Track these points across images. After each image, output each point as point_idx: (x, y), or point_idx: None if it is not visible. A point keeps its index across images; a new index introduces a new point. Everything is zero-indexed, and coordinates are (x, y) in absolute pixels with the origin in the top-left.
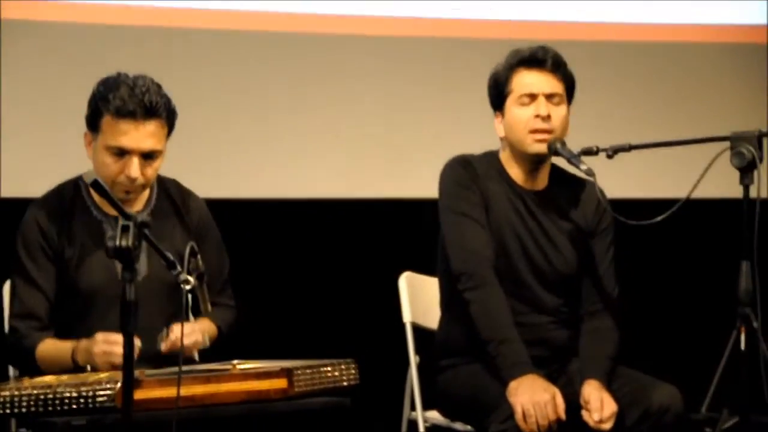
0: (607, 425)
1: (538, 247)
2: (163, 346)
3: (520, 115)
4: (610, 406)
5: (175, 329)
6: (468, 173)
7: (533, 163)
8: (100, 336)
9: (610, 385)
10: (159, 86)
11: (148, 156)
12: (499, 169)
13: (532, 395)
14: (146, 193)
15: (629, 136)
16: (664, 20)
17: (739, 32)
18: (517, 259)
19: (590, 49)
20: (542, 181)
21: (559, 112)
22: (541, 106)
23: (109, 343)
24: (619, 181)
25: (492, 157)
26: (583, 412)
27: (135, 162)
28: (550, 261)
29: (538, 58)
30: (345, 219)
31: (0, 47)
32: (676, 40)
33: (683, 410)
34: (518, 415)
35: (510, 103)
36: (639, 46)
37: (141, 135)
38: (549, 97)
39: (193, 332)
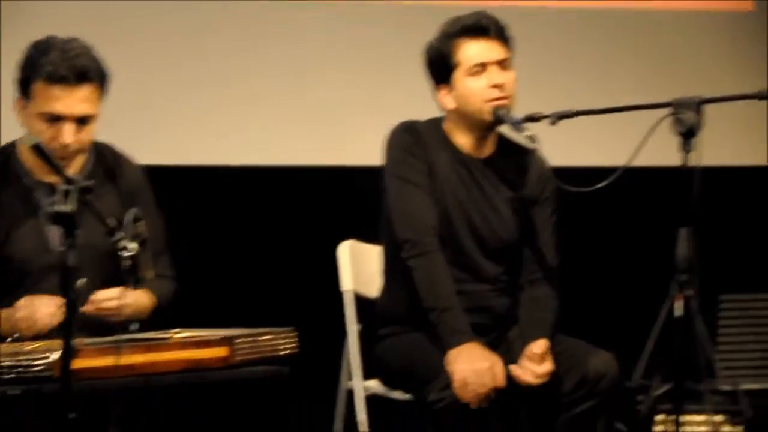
0: (536, 381)
1: (480, 215)
2: (84, 308)
3: (474, 87)
4: (547, 365)
5: (99, 293)
6: (413, 140)
7: (481, 130)
8: (22, 301)
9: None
10: (90, 49)
11: (81, 121)
12: (444, 137)
13: (471, 363)
14: (81, 158)
15: (573, 104)
16: None
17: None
18: (460, 227)
19: (537, 15)
20: (488, 149)
21: (510, 77)
22: (495, 75)
23: (32, 308)
24: (563, 148)
25: (437, 124)
26: (515, 367)
27: (68, 128)
28: (492, 229)
29: (482, 26)
30: (286, 186)
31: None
32: (626, 6)
33: (619, 377)
34: (457, 384)
35: (460, 75)
36: (584, 12)
37: (74, 100)
38: (498, 63)
39: (117, 297)
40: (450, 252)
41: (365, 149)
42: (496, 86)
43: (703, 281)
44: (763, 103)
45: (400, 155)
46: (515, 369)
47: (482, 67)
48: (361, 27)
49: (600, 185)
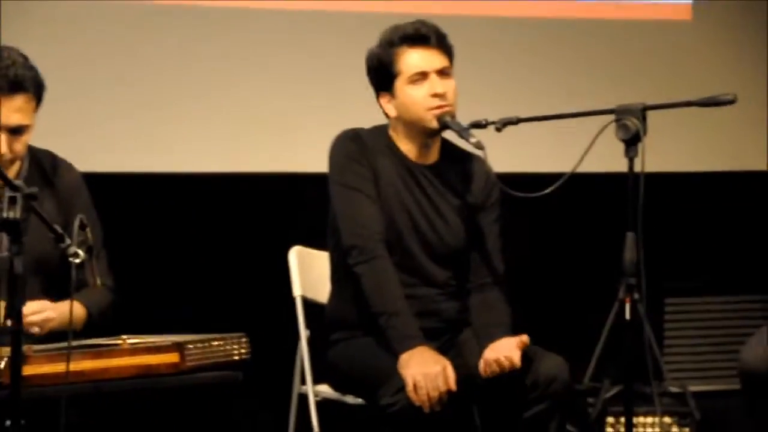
0: (507, 363)
1: (427, 221)
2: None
3: (415, 96)
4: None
5: (29, 304)
6: (358, 147)
7: (425, 137)
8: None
9: None
10: (26, 58)
11: (15, 131)
12: (389, 144)
13: (422, 367)
14: (16, 164)
15: (521, 111)
16: None
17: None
18: (407, 233)
19: (481, 24)
20: (433, 155)
21: (451, 85)
22: (436, 84)
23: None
24: (508, 155)
25: (381, 131)
26: (484, 361)
27: (2, 138)
28: (439, 235)
29: (422, 34)
30: (235, 194)
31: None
32: (562, 16)
33: (569, 380)
34: (409, 387)
35: (401, 84)
36: (530, 22)
37: (7, 110)
38: (439, 72)
39: (39, 311)
40: (398, 257)
41: (314, 156)
42: (436, 95)
43: (649, 285)
44: (705, 109)
45: (344, 162)
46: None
47: (423, 75)
48: (309, 36)
49: (546, 191)
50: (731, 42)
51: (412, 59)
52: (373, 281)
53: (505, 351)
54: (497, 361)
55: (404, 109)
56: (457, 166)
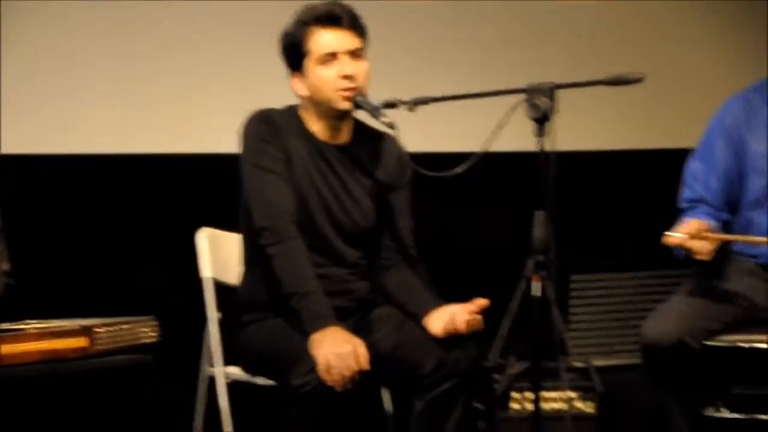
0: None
1: (338, 201)
2: None
3: (324, 76)
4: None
5: None
6: (269, 128)
7: (337, 118)
8: None
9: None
10: None
11: None
12: (300, 124)
13: (334, 347)
14: None
15: (434, 91)
16: None
17: None
18: (318, 214)
19: (393, 5)
20: (345, 135)
21: (361, 67)
22: (345, 66)
23: None
24: (421, 134)
25: (292, 112)
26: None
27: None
28: (349, 215)
29: (335, 15)
30: (143, 175)
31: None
32: None
33: (477, 358)
34: (321, 367)
35: (311, 64)
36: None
37: None
38: (350, 53)
39: None
40: (309, 238)
41: (224, 136)
42: (346, 76)
43: (555, 262)
44: (613, 88)
45: (256, 144)
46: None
47: (333, 56)
48: (218, 16)
49: (457, 170)
50: (637, 20)
51: (323, 39)
52: (285, 262)
53: (466, 313)
54: (468, 322)
55: (314, 89)
56: (369, 146)
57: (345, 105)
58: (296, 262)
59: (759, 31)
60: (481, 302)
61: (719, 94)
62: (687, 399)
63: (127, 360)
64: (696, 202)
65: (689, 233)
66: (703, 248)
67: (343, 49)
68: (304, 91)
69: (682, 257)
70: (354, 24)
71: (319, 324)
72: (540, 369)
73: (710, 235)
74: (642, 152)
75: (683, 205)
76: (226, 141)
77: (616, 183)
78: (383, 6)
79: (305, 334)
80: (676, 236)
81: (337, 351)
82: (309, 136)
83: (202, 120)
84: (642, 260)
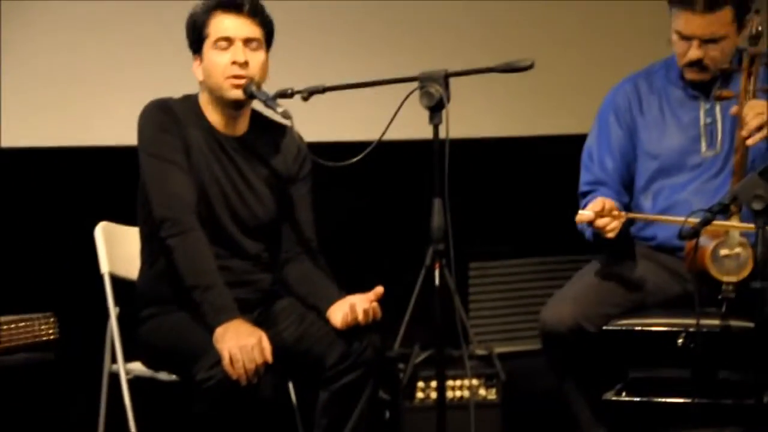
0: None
1: (237, 193)
2: None
3: (217, 61)
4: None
5: None
6: (168, 117)
7: (232, 108)
8: None
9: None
10: None
11: None
12: (199, 114)
13: (238, 340)
14: None
15: (330, 80)
16: None
17: None
18: (218, 206)
19: None
20: (242, 126)
21: (257, 57)
22: (239, 52)
23: None
24: (319, 124)
25: (191, 101)
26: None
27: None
28: (249, 207)
29: (237, 1)
30: (39, 169)
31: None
32: None
33: (381, 347)
34: (225, 361)
35: (207, 48)
36: None
37: None
38: (247, 42)
39: None
40: (209, 230)
41: (119, 129)
42: (237, 63)
43: (454, 250)
44: (506, 75)
45: (154, 133)
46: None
47: (229, 41)
48: (114, 9)
49: (354, 160)
50: (524, 8)
51: (222, 24)
52: (186, 254)
53: (365, 303)
54: (365, 312)
55: (207, 73)
56: (267, 137)
57: (234, 93)
58: (197, 255)
59: (647, 18)
60: (378, 290)
61: (611, 81)
62: (587, 383)
63: (28, 358)
64: (595, 185)
65: (598, 211)
66: (611, 226)
67: (239, 35)
68: (200, 75)
69: (591, 237)
70: (256, 13)
71: (223, 317)
72: (443, 357)
73: (620, 213)
74: (537, 138)
75: (583, 188)
76: (121, 133)
77: (512, 170)
78: None
79: (208, 328)
80: (586, 214)
81: (240, 344)
82: (207, 127)
83: (97, 112)
84: (539, 246)
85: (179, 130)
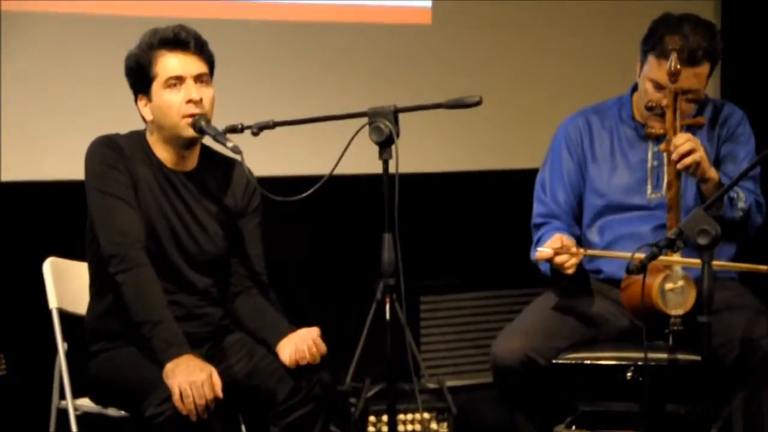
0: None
1: (185, 229)
2: None
3: (170, 100)
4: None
5: None
6: (115, 153)
7: (184, 146)
8: None
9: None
10: None
11: None
12: (146, 150)
13: (188, 375)
14: None
15: (280, 115)
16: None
17: (404, 13)
18: (166, 241)
19: (239, 27)
20: (191, 162)
21: (208, 93)
22: (192, 90)
23: None
24: (269, 159)
25: (138, 137)
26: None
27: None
28: (197, 243)
29: (182, 39)
30: None
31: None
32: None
33: (330, 382)
34: (176, 396)
35: (157, 87)
36: (285, 26)
37: None
38: (197, 78)
39: None
40: (158, 265)
41: (66, 164)
42: (191, 101)
43: (405, 284)
44: (452, 111)
45: (101, 169)
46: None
47: (179, 80)
48: (59, 39)
49: (304, 194)
50: (471, 44)
51: (170, 63)
52: (135, 290)
53: (309, 341)
54: (309, 349)
55: (160, 113)
56: (216, 171)
57: (190, 132)
58: (146, 290)
59: (602, 52)
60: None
61: (561, 116)
62: (537, 416)
63: None
64: (548, 217)
65: (557, 248)
66: (570, 263)
67: (189, 73)
68: (149, 115)
69: (548, 272)
70: (201, 49)
71: (173, 352)
72: (395, 391)
73: (578, 250)
74: (486, 173)
75: (536, 220)
76: (68, 168)
77: (462, 204)
78: (226, 28)
79: (157, 363)
80: (546, 251)
81: (191, 379)
82: (155, 163)
83: (42, 147)
84: (490, 279)
85: (126, 165)
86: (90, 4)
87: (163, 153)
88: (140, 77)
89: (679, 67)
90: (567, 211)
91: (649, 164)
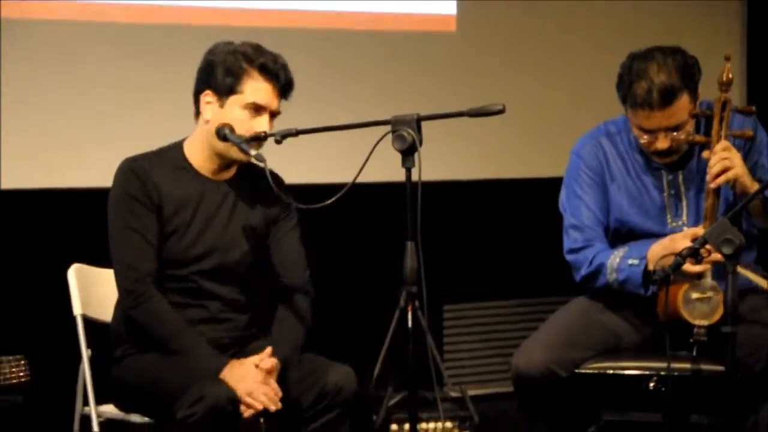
0: (273, 407)
1: (221, 238)
2: None
3: (242, 121)
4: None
5: None
6: (140, 181)
7: (226, 160)
8: None
9: (287, 371)
10: None
11: None
12: (182, 163)
13: (249, 378)
14: None
15: (304, 122)
16: (360, 8)
17: (428, 21)
18: (199, 250)
19: (263, 35)
20: (230, 171)
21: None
22: (264, 123)
23: None
24: (293, 167)
25: (174, 151)
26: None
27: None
28: (233, 251)
29: (276, 73)
30: (12, 210)
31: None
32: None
33: (357, 388)
34: (246, 399)
35: (235, 101)
36: (309, 33)
37: None
38: (271, 114)
39: None
40: (186, 275)
41: (93, 172)
42: (263, 132)
43: (428, 292)
44: (476, 119)
45: (123, 199)
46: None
47: (260, 108)
48: (93, 47)
49: (328, 202)
50: (495, 52)
51: (260, 89)
52: (152, 322)
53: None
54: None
55: (221, 122)
56: (253, 181)
57: (241, 157)
58: (163, 318)
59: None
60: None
61: (584, 124)
62: (559, 427)
63: None
64: (589, 241)
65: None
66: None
67: (271, 107)
68: (209, 115)
69: (638, 286)
70: (288, 89)
71: (217, 362)
72: (417, 399)
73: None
74: (509, 181)
75: (576, 245)
76: (96, 176)
77: (485, 213)
78: (250, 36)
79: (186, 368)
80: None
81: (256, 380)
82: (191, 173)
83: (72, 155)
84: (513, 288)
85: (152, 192)
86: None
87: (205, 162)
88: (222, 80)
89: (731, 76)
90: (602, 234)
91: (666, 193)
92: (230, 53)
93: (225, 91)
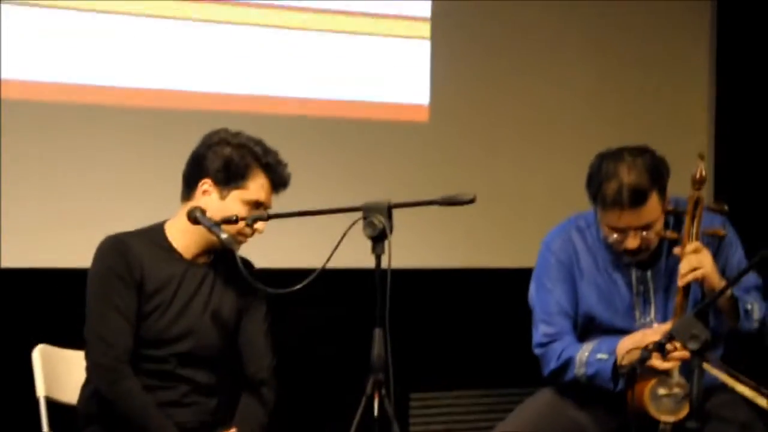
0: None
1: (196, 321)
2: None
3: (242, 215)
4: None
5: None
6: (123, 259)
7: (210, 246)
8: None
9: None
10: None
11: None
12: (163, 244)
13: None
14: None
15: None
16: (332, 96)
17: (400, 110)
18: (176, 332)
19: (238, 120)
20: (209, 255)
21: (263, 226)
22: (260, 225)
23: None
24: (263, 251)
25: (155, 233)
26: None
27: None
28: (208, 335)
29: (279, 174)
30: None
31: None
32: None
33: None
34: None
35: (237, 195)
36: (281, 119)
37: None
38: (267, 209)
39: None
40: (160, 357)
41: (63, 252)
42: (255, 231)
43: (395, 380)
44: (447, 207)
45: (104, 272)
46: None
47: (259, 205)
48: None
49: (297, 287)
50: (467, 142)
51: (262, 188)
52: (123, 403)
53: None
54: None
55: (221, 214)
56: (228, 266)
57: (235, 248)
58: (135, 403)
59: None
60: None
61: (553, 217)
62: None
63: None
64: (556, 336)
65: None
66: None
67: (269, 205)
68: (203, 201)
69: (607, 380)
70: (284, 188)
71: None
72: None
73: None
74: (479, 271)
75: (544, 339)
76: (66, 256)
77: (454, 301)
78: (221, 121)
79: None
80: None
81: None
82: (172, 255)
83: (41, 235)
84: (481, 378)
85: (134, 270)
86: (92, 95)
87: (184, 244)
88: (225, 173)
89: (704, 174)
90: (571, 328)
91: (635, 290)
92: (237, 147)
93: (226, 183)
